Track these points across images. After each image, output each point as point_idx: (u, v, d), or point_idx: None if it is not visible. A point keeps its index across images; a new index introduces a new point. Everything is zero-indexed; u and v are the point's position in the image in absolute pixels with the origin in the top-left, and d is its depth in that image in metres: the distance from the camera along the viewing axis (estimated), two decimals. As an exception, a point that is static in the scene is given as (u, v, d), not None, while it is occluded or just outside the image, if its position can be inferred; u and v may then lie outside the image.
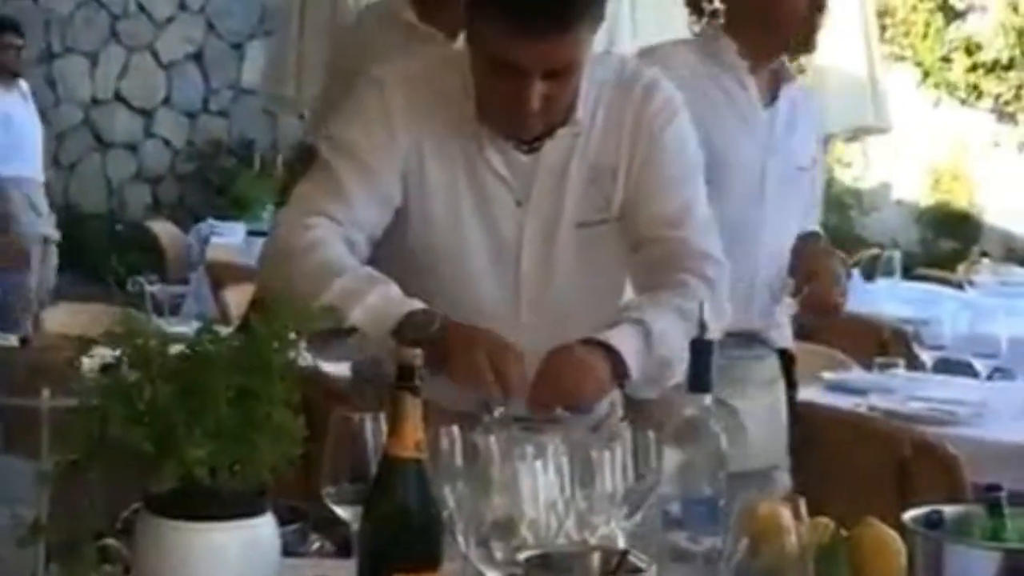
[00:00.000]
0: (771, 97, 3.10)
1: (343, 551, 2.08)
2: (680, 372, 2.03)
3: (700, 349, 1.90)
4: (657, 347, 2.18)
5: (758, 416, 3.03)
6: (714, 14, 2.95)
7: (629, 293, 2.49)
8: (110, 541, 2.11)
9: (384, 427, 1.85)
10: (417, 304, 2.20)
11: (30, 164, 7.76)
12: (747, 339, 3.06)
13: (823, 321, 3.13)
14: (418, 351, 1.77)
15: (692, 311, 2.00)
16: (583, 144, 2.35)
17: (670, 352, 2.18)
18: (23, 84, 8.02)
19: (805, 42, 3.07)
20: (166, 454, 1.69)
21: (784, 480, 3.06)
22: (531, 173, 2.34)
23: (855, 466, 3.38)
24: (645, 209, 2.38)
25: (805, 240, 3.15)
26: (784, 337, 3.21)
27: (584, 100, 2.34)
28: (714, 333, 1.98)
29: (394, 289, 2.23)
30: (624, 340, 2.21)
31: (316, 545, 2.24)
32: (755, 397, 3.06)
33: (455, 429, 1.85)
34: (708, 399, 1.88)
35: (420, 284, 2.27)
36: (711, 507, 1.86)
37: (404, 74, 2.39)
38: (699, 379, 1.89)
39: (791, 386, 3.23)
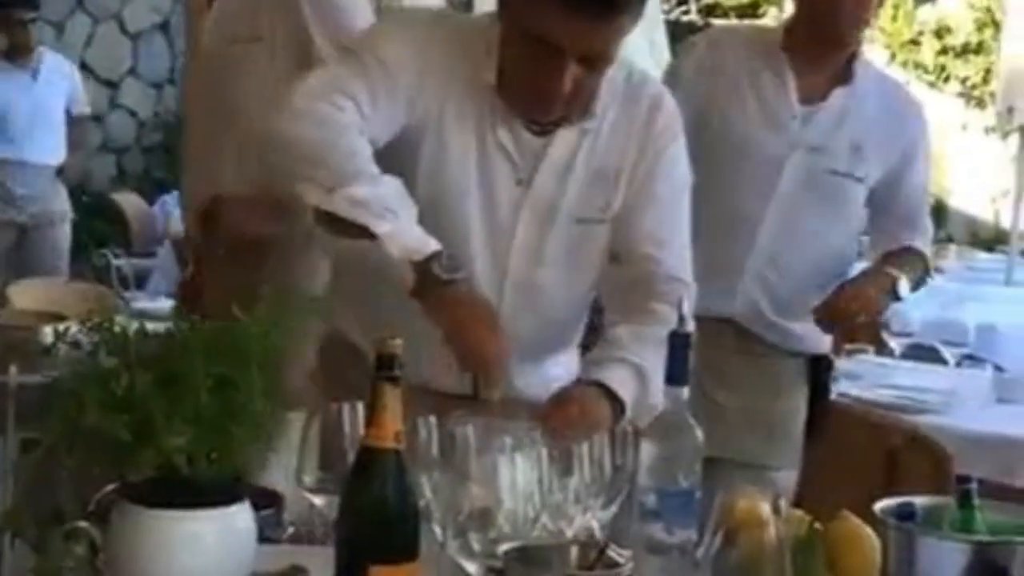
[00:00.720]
0: (820, 96, 3.09)
1: (317, 537, 2.08)
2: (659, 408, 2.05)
3: (677, 343, 1.90)
4: (651, 394, 2.18)
5: (739, 411, 3.04)
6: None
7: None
8: (82, 524, 2.11)
9: (361, 416, 1.85)
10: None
11: (10, 146, 7.42)
12: (755, 339, 3.05)
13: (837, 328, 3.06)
14: (398, 341, 1.76)
15: None
16: (591, 141, 2.34)
17: (657, 397, 2.19)
18: (44, 58, 7.63)
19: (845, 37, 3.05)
20: (144, 442, 1.68)
21: (781, 479, 3.06)
22: (537, 157, 2.32)
23: (843, 455, 3.39)
24: (636, 223, 2.38)
25: (886, 257, 3.13)
26: (814, 344, 3.17)
27: (600, 98, 2.33)
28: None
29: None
30: (625, 386, 2.22)
31: (290, 530, 2.24)
32: (742, 393, 3.07)
33: (432, 419, 1.85)
34: (685, 392, 1.89)
35: None
36: (687, 499, 1.86)
37: (438, 33, 2.35)
38: (676, 372, 1.89)
39: (816, 391, 3.21)
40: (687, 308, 1.97)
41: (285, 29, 2.99)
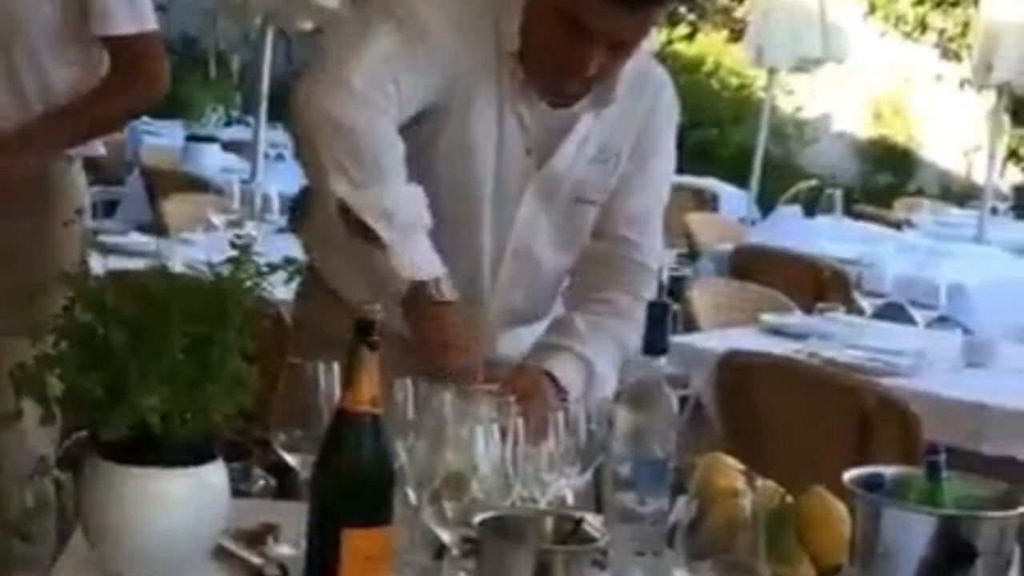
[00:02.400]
0: None
1: (287, 491, 2.08)
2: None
3: (656, 313, 1.90)
4: (596, 388, 2.21)
5: None
6: None
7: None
8: (56, 473, 2.11)
9: (337, 376, 1.84)
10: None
11: None
12: None
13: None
14: (378, 306, 1.75)
15: (630, 343, 2.10)
16: (601, 123, 2.33)
17: (605, 390, 2.20)
18: None
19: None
20: (118, 400, 1.67)
21: None
22: (549, 131, 2.31)
23: (814, 418, 3.41)
24: (620, 202, 2.39)
25: None
26: None
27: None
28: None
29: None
30: (571, 377, 2.25)
31: (260, 483, 2.24)
32: None
33: (409, 382, 1.84)
34: (663, 361, 1.89)
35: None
36: (660, 469, 1.87)
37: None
38: (654, 342, 1.89)
39: None
40: (666, 277, 1.97)
41: None
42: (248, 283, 1.74)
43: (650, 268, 2.41)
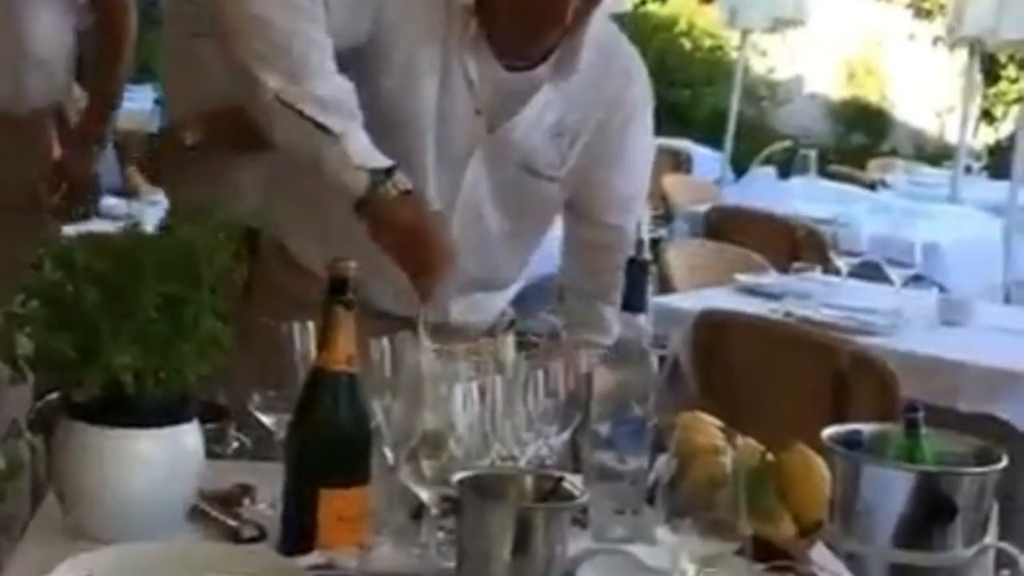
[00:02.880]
0: None
1: (262, 452, 2.06)
2: None
3: (635, 269, 1.88)
4: None
5: None
6: None
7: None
8: (28, 436, 2.08)
9: (313, 335, 1.82)
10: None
11: None
12: None
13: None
14: (352, 263, 1.73)
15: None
16: (561, 95, 2.26)
17: None
18: None
19: None
20: (90, 360, 1.64)
21: None
22: (502, 95, 2.24)
23: (790, 377, 3.40)
24: (603, 189, 2.35)
25: None
26: None
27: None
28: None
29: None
30: None
31: (235, 445, 2.22)
32: None
33: (385, 341, 1.82)
34: (642, 319, 1.87)
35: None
36: (640, 428, 1.86)
37: None
38: (634, 300, 1.87)
39: None
40: (645, 233, 1.95)
41: None
42: (220, 242, 1.71)
43: (624, 248, 2.31)
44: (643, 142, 2.40)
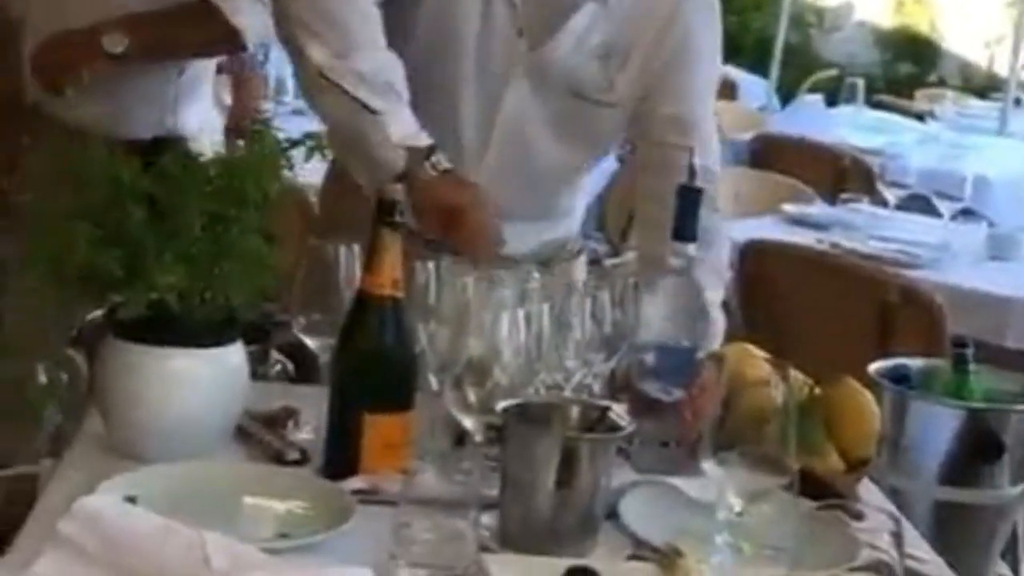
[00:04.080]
0: None
1: (304, 374, 2.05)
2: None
3: (687, 197, 1.85)
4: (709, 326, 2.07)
5: None
6: None
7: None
8: (69, 352, 2.07)
9: (358, 258, 1.80)
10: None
11: None
12: None
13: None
14: (399, 186, 1.71)
15: (723, 270, 2.14)
16: (607, 16, 2.20)
17: (714, 327, 2.11)
18: None
19: None
20: (135, 278, 1.63)
21: None
22: (544, 14, 2.19)
23: (834, 309, 3.36)
24: (658, 108, 2.27)
25: None
26: None
27: None
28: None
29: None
30: None
31: (277, 367, 2.21)
32: None
33: (431, 265, 1.80)
34: (692, 248, 1.84)
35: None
36: (687, 358, 1.83)
37: None
38: (684, 227, 1.84)
39: None
40: (698, 162, 1.92)
41: None
42: (267, 161, 1.69)
43: (711, 170, 2.24)
44: (706, 68, 2.33)
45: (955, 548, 1.87)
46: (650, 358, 1.83)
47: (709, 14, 2.31)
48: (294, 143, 1.73)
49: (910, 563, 1.48)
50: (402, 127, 2.07)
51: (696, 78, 2.31)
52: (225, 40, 2.76)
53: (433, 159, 2.06)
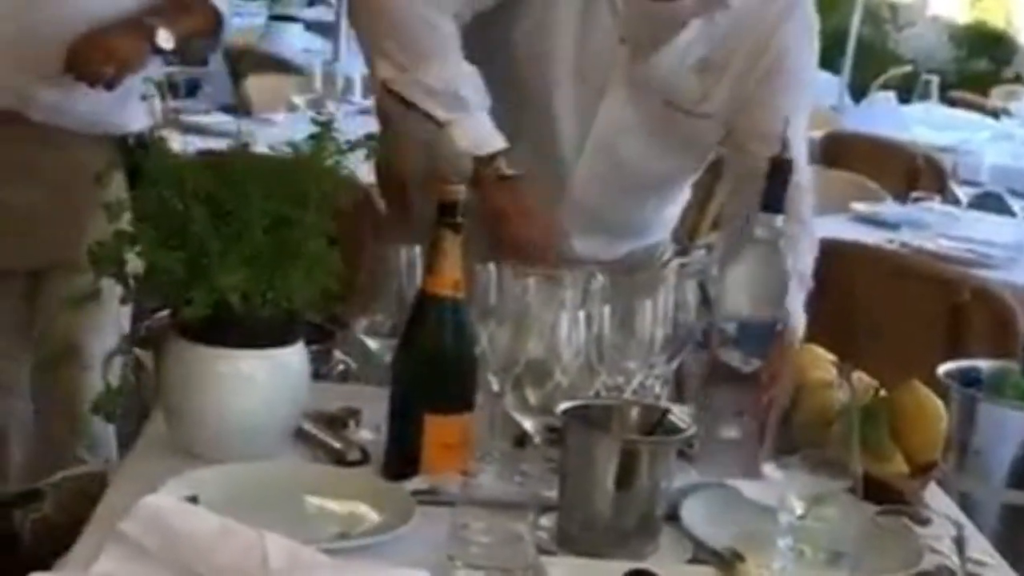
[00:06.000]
0: None
1: (368, 376, 2.05)
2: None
3: (777, 169, 1.83)
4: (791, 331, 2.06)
5: None
6: None
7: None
8: (137, 351, 2.09)
9: (420, 260, 1.80)
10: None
11: None
12: None
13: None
14: (462, 187, 1.71)
15: (808, 274, 2.17)
16: (709, 31, 2.20)
17: (797, 333, 2.09)
18: None
19: None
20: (198, 279, 1.64)
21: None
22: (650, 25, 2.19)
23: (907, 308, 3.32)
24: (752, 123, 2.23)
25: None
26: None
27: None
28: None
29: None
30: None
31: (340, 367, 2.22)
32: None
33: (492, 266, 1.80)
34: (779, 220, 1.82)
35: (500, 91, 2.16)
36: (768, 330, 1.81)
37: None
38: (773, 200, 1.82)
39: None
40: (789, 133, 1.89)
41: None
42: (329, 162, 1.70)
43: (801, 186, 2.20)
44: (800, 76, 2.31)
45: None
46: (731, 328, 1.81)
47: (808, 34, 2.30)
48: (355, 144, 1.74)
49: (974, 568, 1.46)
50: (468, 136, 2.08)
51: (789, 96, 2.28)
52: (215, 25, 2.77)
53: (495, 164, 2.07)
